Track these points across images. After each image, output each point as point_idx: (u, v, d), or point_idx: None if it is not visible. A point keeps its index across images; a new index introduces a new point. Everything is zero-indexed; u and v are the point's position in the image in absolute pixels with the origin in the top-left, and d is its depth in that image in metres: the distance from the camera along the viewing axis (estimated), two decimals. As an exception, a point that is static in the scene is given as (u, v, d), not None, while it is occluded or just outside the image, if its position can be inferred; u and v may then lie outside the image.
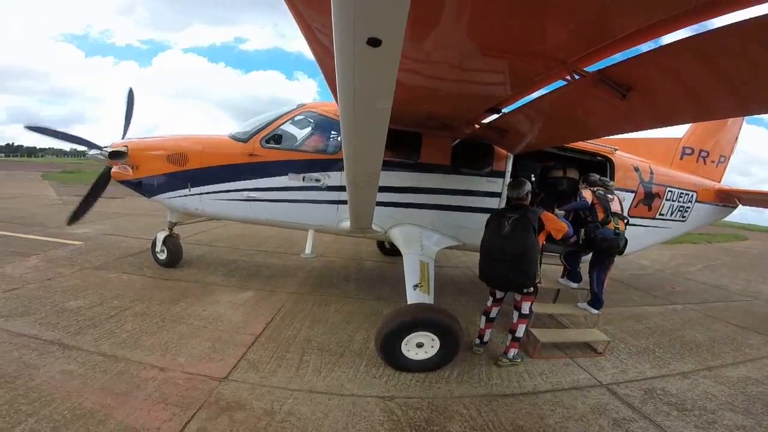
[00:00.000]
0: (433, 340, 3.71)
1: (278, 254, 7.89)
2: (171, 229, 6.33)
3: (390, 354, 3.71)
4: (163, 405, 2.94)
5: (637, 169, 5.92)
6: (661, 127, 3.44)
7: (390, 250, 8.29)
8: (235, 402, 3.05)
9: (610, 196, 4.79)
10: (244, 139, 5.22)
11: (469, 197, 5.18)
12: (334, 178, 4.95)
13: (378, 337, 3.72)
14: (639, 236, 5.97)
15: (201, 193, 5.31)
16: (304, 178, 4.96)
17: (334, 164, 4.90)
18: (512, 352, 4.04)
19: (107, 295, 5.07)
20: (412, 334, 3.66)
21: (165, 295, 5.20)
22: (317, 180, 4.99)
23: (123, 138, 6.04)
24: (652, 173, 6.01)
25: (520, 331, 4.01)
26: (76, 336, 3.87)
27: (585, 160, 5.78)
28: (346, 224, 4.81)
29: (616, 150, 5.86)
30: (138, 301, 4.93)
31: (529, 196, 4.04)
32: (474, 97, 3.41)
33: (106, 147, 5.75)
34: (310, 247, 5.07)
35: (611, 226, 4.61)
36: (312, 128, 5.35)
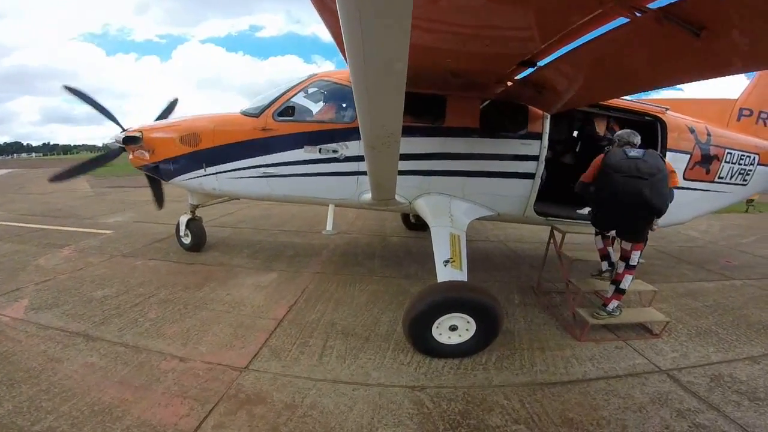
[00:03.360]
0: (468, 322, 3.37)
1: (302, 233, 7.71)
2: (193, 212, 6.25)
3: (419, 338, 3.41)
4: (181, 399, 2.80)
5: (692, 130, 5.18)
6: (752, 71, 2.83)
7: (415, 225, 7.93)
8: (254, 394, 2.87)
9: None
10: (255, 114, 4.92)
11: (502, 162, 4.67)
12: (352, 148, 4.58)
13: (406, 320, 3.41)
14: (696, 201, 5.31)
15: (217, 173, 5.11)
16: (320, 149, 4.63)
17: (352, 133, 4.53)
18: (613, 304, 3.77)
19: (133, 282, 5.05)
20: (445, 316, 3.33)
21: (189, 280, 5.14)
22: (334, 151, 4.65)
23: (121, 128, 5.90)
24: (709, 134, 5.26)
25: (626, 282, 3.74)
26: (100, 326, 3.82)
27: (631, 121, 5.09)
28: (368, 196, 4.48)
29: (667, 110, 5.14)
30: (163, 288, 4.88)
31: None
32: (504, 48, 2.92)
33: (127, 129, 5.69)
34: (330, 224, 4.80)
35: None
36: (326, 97, 4.97)
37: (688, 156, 5.13)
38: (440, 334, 3.38)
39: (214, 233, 7.48)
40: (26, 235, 7.47)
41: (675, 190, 3.63)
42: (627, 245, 3.70)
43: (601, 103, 4.82)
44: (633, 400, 2.96)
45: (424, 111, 4.62)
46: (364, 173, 4.23)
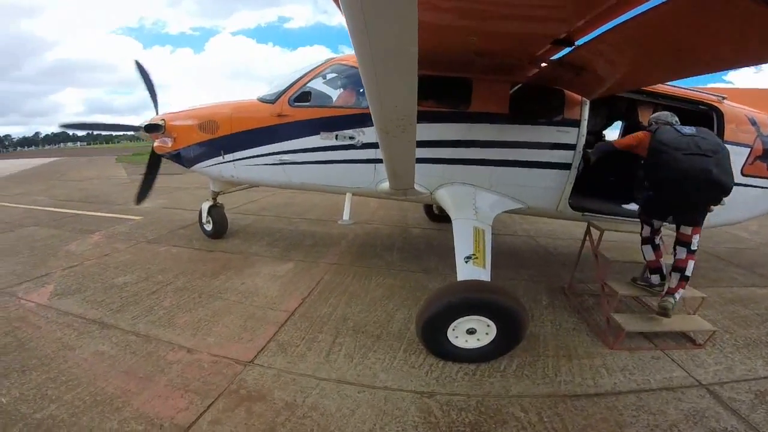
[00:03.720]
0: (488, 326, 3.10)
1: (323, 222, 7.59)
2: (215, 199, 6.26)
3: (433, 341, 3.18)
4: (182, 392, 2.73)
5: (754, 122, 4.57)
6: None
7: (438, 216, 7.61)
8: (256, 391, 2.76)
9: None
10: (271, 100, 4.79)
11: (534, 150, 4.28)
12: (369, 134, 4.35)
13: (419, 321, 3.18)
14: (754, 200, 4.70)
15: (234, 160, 5.06)
16: (337, 136, 4.44)
17: (369, 119, 4.28)
18: (679, 293, 3.47)
19: (153, 269, 5.11)
20: (462, 319, 3.07)
21: (207, 268, 5.14)
22: (351, 138, 4.44)
23: (156, 113, 5.92)
24: None
25: (690, 268, 3.43)
26: (116, 314, 3.85)
27: (683, 109, 4.52)
28: (385, 185, 4.24)
29: (724, 98, 4.54)
30: (181, 275, 4.91)
31: None
32: (535, 25, 2.60)
33: (141, 125, 5.74)
34: (347, 213, 4.61)
35: None
36: (342, 81, 4.76)
37: (748, 150, 4.52)
38: (456, 337, 3.14)
39: (237, 220, 7.52)
40: (62, 220, 7.81)
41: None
42: (687, 230, 3.37)
43: (648, 89, 4.33)
44: (665, 416, 2.62)
45: (447, 95, 4.31)
46: (381, 161, 4.01)
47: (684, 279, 3.45)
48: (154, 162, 6.10)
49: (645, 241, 3.75)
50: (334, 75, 4.76)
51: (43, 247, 5.94)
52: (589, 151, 4.12)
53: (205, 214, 6.31)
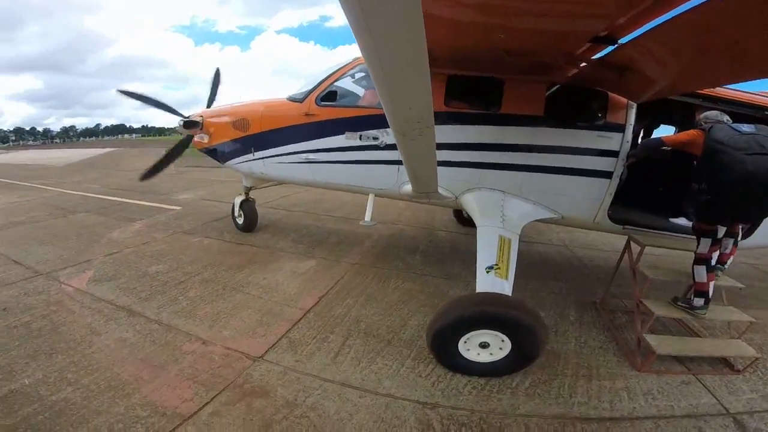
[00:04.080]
0: (502, 341, 2.94)
1: (350, 220, 7.62)
2: (247, 194, 6.45)
3: (443, 353, 3.06)
4: (190, 382, 2.82)
5: None
6: None
7: (468, 220, 7.34)
8: (260, 387, 2.80)
9: None
10: (300, 99, 4.84)
11: (571, 156, 3.96)
12: (392, 135, 4.28)
13: (429, 332, 3.08)
14: None
15: (264, 158, 5.18)
16: (360, 136, 4.41)
17: None
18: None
19: (185, 259, 5.33)
20: (475, 332, 2.94)
21: (234, 261, 5.30)
22: (375, 138, 4.40)
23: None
24: None
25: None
26: (144, 302, 4.04)
27: (746, 116, 4.04)
28: (408, 188, 4.13)
29: None
30: (209, 267, 5.09)
31: None
32: (569, 20, 2.39)
33: (188, 116, 5.96)
34: (369, 214, 4.58)
35: None
36: (368, 81, 4.70)
37: None
38: (468, 349, 3.01)
39: (268, 215, 7.71)
40: (110, 207, 8.37)
41: None
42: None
43: (705, 92, 3.88)
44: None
45: (476, 96, 4.13)
46: None
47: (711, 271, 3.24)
48: (174, 151, 6.21)
49: (700, 260, 3.29)
50: (360, 74, 4.73)
51: (89, 234, 6.38)
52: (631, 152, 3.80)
53: (237, 208, 6.53)
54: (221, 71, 6.85)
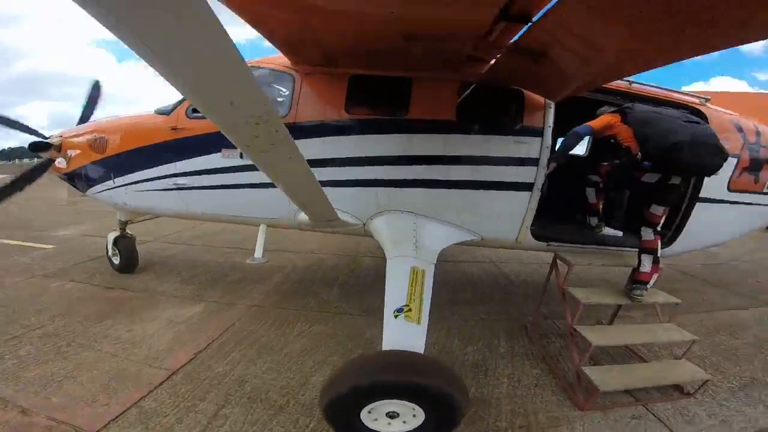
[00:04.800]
0: (414, 409, 2.28)
1: (265, 251, 6.65)
2: (123, 230, 5.34)
3: (342, 425, 2.32)
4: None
5: (740, 129, 3.93)
6: None
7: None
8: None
9: None
10: (168, 111, 3.97)
11: (487, 167, 3.47)
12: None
13: (321, 401, 2.30)
14: (740, 218, 4.09)
15: (125, 184, 4.18)
16: (242, 154, 3.52)
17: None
18: (653, 278, 3.34)
19: (30, 309, 4.20)
20: (379, 402, 2.25)
21: (95, 310, 4.22)
22: None
23: None
24: (759, 134, 4.01)
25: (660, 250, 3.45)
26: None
27: None
28: (305, 216, 3.42)
29: (707, 101, 3.93)
30: (58, 317, 4.01)
31: None
32: None
33: (50, 137, 4.84)
34: (260, 249, 3.75)
35: None
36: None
37: (735, 160, 3.83)
38: (375, 419, 2.31)
39: (160, 251, 6.56)
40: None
41: (714, 207, 3.56)
42: (658, 209, 3.23)
43: (621, 89, 3.72)
44: None
45: (381, 99, 3.60)
46: None
47: (656, 262, 3.27)
48: (23, 178, 4.88)
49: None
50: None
51: None
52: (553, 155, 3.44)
53: (111, 246, 5.39)
54: (101, 84, 5.75)
